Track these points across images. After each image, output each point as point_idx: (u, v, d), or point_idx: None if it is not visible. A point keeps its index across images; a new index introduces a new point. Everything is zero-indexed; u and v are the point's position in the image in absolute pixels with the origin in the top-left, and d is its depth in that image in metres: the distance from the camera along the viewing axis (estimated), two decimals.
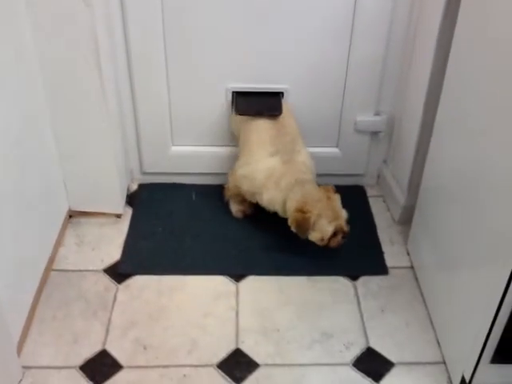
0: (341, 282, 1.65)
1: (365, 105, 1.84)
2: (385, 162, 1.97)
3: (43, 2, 1.42)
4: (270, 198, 1.66)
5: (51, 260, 1.66)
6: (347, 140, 1.91)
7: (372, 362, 1.44)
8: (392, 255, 1.74)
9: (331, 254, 1.69)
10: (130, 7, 1.62)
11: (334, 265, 1.69)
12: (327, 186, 1.65)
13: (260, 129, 1.70)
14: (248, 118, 1.72)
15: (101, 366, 1.41)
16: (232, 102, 1.80)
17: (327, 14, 1.67)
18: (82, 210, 1.82)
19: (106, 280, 1.64)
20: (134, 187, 1.97)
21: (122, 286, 1.62)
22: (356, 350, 1.47)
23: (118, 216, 1.83)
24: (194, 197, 1.93)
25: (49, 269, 1.64)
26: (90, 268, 1.67)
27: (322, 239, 1.60)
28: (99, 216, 1.82)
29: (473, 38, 1.30)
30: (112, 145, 1.70)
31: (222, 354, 1.45)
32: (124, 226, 1.81)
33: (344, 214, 1.61)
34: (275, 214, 1.69)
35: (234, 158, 1.90)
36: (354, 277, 1.67)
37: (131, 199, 1.92)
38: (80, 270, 1.66)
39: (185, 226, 1.81)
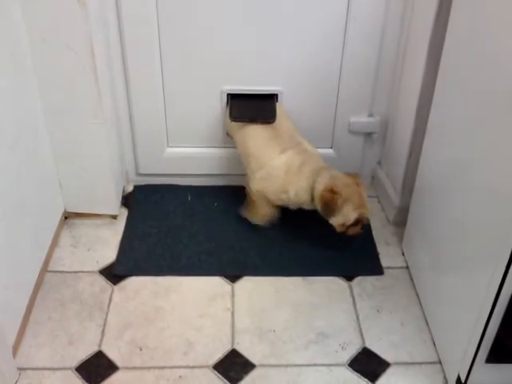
0: (336, 283, 1.66)
1: (358, 106, 1.85)
2: (379, 163, 1.98)
3: (38, 4, 1.42)
4: (296, 190, 1.62)
5: (47, 261, 1.66)
6: (341, 141, 1.92)
7: (368, 362, 1.44)
8: (387, 255, 1.74)
9: (326, 255, 1.70)
10: (125, 8, 1.62)
11: (330, 265, 1.70)
12: (353, 173, 1.64)
13: (256, 134, 1.69)
14: (243, 124, 1.71)
15: (96, 368, 1.40)
16: (227, 104, 1.80)
17: (321, 16, 1.67)
18: (78, 212, 1.82)
19: (102, 281, 1.63)
20: (130, 188, 1.97)
21: (117, 287, 1.62)
22: (352, 350, 1.47)
23: (114, 217, 1.83)
24: (189, 198, 1.93)
25: (44, 270, 1.64)
26: (86, 269, 1.67)
27: (343, 225, 1.59)
28: (95, 217, 1.82)
29: (464, 42, 1.32)
30: (107, 146, 1.70)
31: (218, 354, 1.45)
32: (119, 228, 1.81)
33: (368, 204, 1.60)
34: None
35: (228, 160, 1.91)
36: (349, 277, 1.67)
37: (127, 200, 1.92)
38: (75, 272, 1.66)
39: (180, 226, 1.81)
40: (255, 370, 1.42)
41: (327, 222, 1.63)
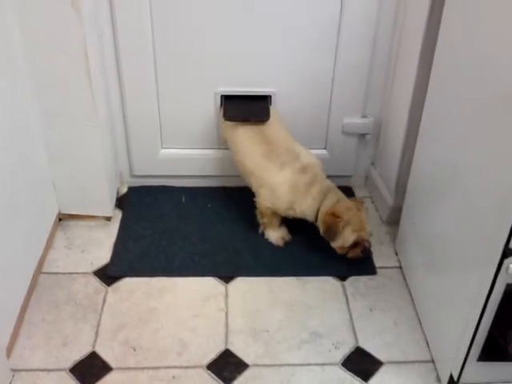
0: (330, 283, 1.66)
1: (352, 107, 1.85)
2: (372, 163, 1.99)
3: (32, 7, 1.43)
4: (302, 209, 1.65)
5: (41, 263, 1.66)
6: (335, 142, 1.92)
7: (361, 362, 1.45)
8: (380, 255, 1.75)
9: (320, 255, 1.71)
10: (119, 12, 1.62)
11: (323, 265, 1.70)
12: (359, 199, 1.72)
13: (252, 151, 1.68)
14: (236, 126, 1.71)
15: (90, 368, 1.41)
16: (220, 105, 1.81)
17: (315, 17, 1.68)
18: (72, 213, 1.82)
19: (96, 282, 1.64)
20: (124, 190, 1.98)
21: (111, 289, 1.62)
22: (345, 350, 1.47)
23: (108, 219, 1.84)
24: (183, 199, 1.94)
25: (38, 271, 1.64)
26: (80, 270, 1.67)
27: (342, 247, 1.63)
28: (89, 219, 1.83)
29: (456, 43, 1.32)
30: (102, 148, 1.70)
31: (212, 354, 1.45)
32: (113, 229, 1.81)
33: (368, 228, 1.65)
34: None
35: (222, 161, 1.92)
36: (342, 277, 1.68)
37: (121, 202, 1.92)
38: (70, 273, 1.66)
39: (174, 228, 1.81)
40: (249, 370, 1.42)
41: None
